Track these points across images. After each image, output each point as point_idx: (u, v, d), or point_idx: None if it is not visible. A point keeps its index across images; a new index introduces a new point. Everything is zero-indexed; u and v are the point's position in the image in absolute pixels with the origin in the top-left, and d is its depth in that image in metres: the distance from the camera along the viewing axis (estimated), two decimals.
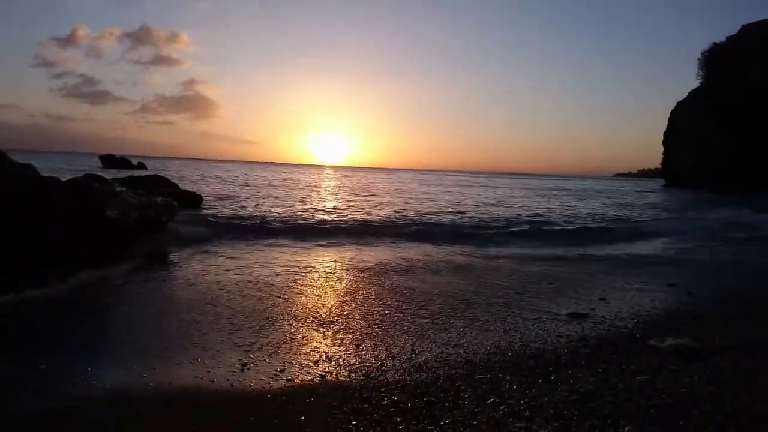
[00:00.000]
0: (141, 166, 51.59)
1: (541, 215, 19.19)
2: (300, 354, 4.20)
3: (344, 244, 10.58)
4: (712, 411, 3.18)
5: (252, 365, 3.91)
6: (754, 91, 52.75)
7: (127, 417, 3.07)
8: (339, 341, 4.55)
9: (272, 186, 32.62)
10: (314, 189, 31.99)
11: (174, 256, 8.31)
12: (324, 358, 4.12)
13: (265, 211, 16.22)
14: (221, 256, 8.58)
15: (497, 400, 3.31)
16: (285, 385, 3.57)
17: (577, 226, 16.03)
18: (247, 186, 30.89)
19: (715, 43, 64.00)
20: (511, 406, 3.23)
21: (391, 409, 3.17)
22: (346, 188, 34.85)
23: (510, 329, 5.02)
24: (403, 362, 4.05)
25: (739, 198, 33.19)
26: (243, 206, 17.59)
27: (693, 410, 3.19)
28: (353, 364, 3.98)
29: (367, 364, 4.00)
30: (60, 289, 5.96)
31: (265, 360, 4.03)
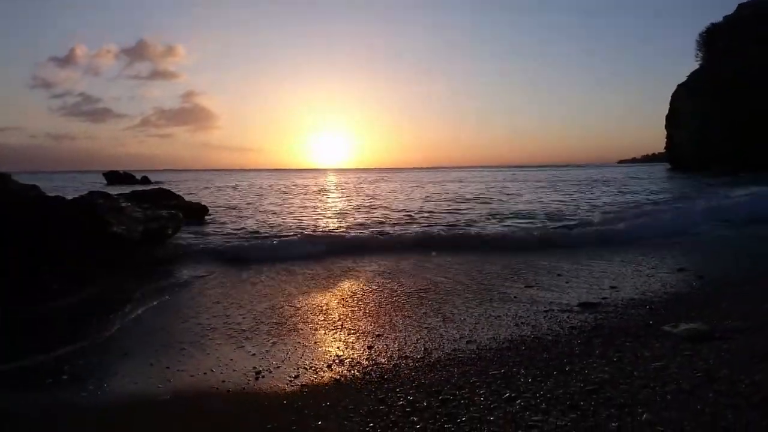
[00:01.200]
0: (145, 180, 51.85)
1: (549, 209, 19.18)
2: (313, 359, 4.21)
3: (352, 250, 10.58)
4: (727, 394, 3.16)
5: (266, 372, 3.93)
6: (751, 71, 52.36)
7: (141, 429, 3.09)
8: (351, 344, 4.56)
9: (276, 193, 32.70)
10: (315, 197, 32.05)
11: (180, 268, 8.33)
12: (337, 361, 4.13)
13: (269, 220, 16.28)
14: (226, 266, 8.60)
15: (513, 394, 3.31)
16: (300, 390, 3.58)
17: (582, 216, 15.99)
18: (250, 195, 30.97)
19: (712, 24, 63.63)
20: (527, 399, 3.22)
21: (407, 410, 3.17)
22: (346, 191, 34.88)
23: (522, 323, 5.01)
24: (417, 362, 4.05)
25: (744, 181, 32.96)
26: (247, 216, 17.66)
27: (709, 394, 3.17)
28: (367, 366, 3.99)
29: (381, 365, 4.01)
30: (68, 303, 6.01)
31: (278, 367, 4.04)
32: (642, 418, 2.91)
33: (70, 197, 7.79)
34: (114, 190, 11.32)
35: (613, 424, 2.85)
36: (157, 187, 16.69)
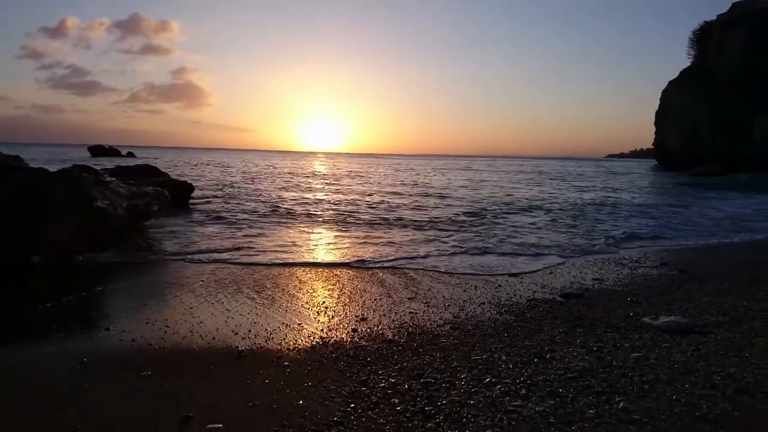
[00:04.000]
0: (130, 155, 51.20)
1: (532, 201, 19.31)
2: (296, 340, 4.21)
3: (336, 232, 10.57)
4: (703, 385, 3.23)
5: (249, 352, 3.92)
6: (742, 71, 52.75)
7: (122, 405, 3.07)
8: (335, 326, 4.56)
9: (265, 173, 32.49)
10: (303, 180, 31.91)
11: (162, 244, 8.26)
12: (321, 343, 4.13)
13: (254, 199, 16.18)
14: (208, 245, 8.54)
15: (493, 379, 3.34)
16: (282, 370, 3.58)
17: (570, 210, 16.12)
18: (237, 174, 30.75)
19: (705, 22, 63.91)
20: (507, 385, 3.26)
21: (389, 391, 3.19)
22: (326, 175, 34.78)
23: (505, 311, 5.06)
24: (400, 345, 4.07)
25: (728, 180, 33.41)
26: (232, 194, 17.54)
27: (685, 385, 3.24)
28: (350, 349, 4.00)
29: (364, 348, 4.02)
30: (49, 276, 5.94)
31: (261, 347, 4.04)
32: (619, 406, 2.96)
33: (53, 169, 7.65)
34: (99, 165, 11.14)
35: (590, 411, 2.90)
36: (142, 162, 16.46)
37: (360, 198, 18.07)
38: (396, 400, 3.07)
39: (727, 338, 4.14)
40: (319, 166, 52.23)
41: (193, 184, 15.46)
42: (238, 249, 8.17)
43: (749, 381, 3.28)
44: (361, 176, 34.38)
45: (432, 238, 9.77)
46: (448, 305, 5.24)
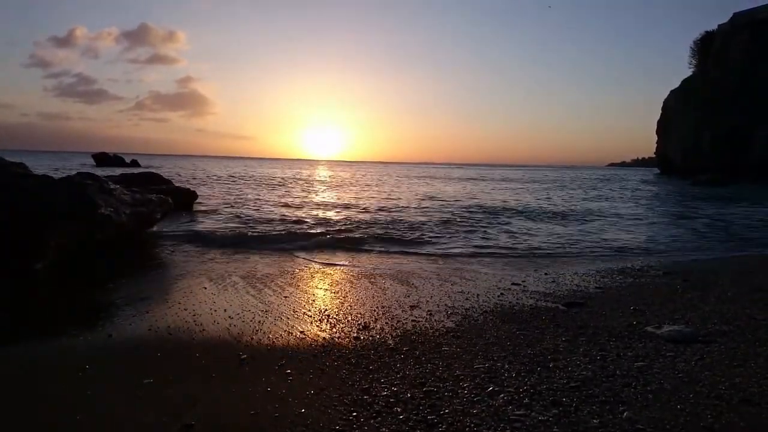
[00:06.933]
0: (134, 163, 51.41)
1: (529, 205, 19.31)
2: (298, 348, 4.20)
3: (333, 245, 10.57)
4: (707, 395, 3.21)
5: (251, 360, 3.91)
6: (741, 80, 52.87)
7: (121, 414, 3.06)
8: (337, 334, 4.55)
9: (267, 183, 32.54)
10: (307, 189, 31.96)
11: (165, 252, 8.27)
12: (322, 351, 4.12)
13: (258, 208, 16.21)
14: (211, 253, 8.55)
15: (496, 388, 3.32)
16: (284, 378, 3.56)
17: (569, 217, 16.11)
18: (241, 182, 30.82)
19: (706, 32, 64.18)
20: (510, 394, 3.24)
21: (391, 400, 3.18)
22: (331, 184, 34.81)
23: (508, 319, 5.04)
24: (402, 353, 4.05)
25: (729, 190, 33.37)
26: (236, 202, 17.58)
27: (690, 395, 3.22)
28: (352, 357, 3.98)
29: (366, 356, 4.00)
30: (51, 282, 5.94)
31: (263, 354, 4.03)
32: (623, 415, 2.94)
33: (57, 177, 7.68)
34: (103, 173, 11.19)
35: (594, 420, 2.88)
36: (145, 170, 16.53)
37: (369, 207, 18.08)
38: (398, 409, 3.05)
39: (731, 348, 4.12)
40: (323, 175, 52.36)
41: (197, 191, 15.52)
42: (242, 256, 8.18)
43: (754, 391, 3.26)
44: (368, 186, 34.46)
45: (433, 246, 9.76)
46: (451, 314, 5.23)
